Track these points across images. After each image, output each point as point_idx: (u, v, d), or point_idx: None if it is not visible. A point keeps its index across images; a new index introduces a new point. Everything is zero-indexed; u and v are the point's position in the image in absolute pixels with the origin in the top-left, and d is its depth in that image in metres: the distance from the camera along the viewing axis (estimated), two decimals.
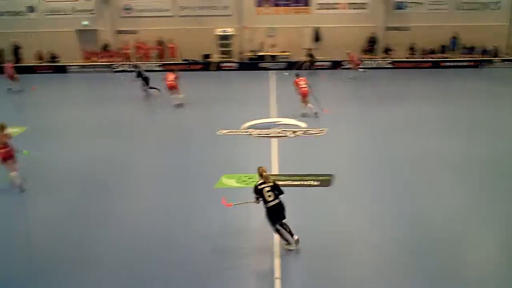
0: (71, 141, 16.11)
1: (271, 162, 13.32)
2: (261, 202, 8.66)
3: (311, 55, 26.84)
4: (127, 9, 29.00)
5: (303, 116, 17.52)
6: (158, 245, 9.26)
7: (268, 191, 8.56)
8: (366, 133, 16.05)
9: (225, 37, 28.92)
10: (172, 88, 19.58)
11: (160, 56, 29.15)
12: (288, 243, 8.78)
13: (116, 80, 26.11)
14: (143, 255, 8.94)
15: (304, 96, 17.56)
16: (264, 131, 16.09)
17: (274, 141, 15.12)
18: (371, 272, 8.34)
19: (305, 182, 11.84)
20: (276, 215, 8.61)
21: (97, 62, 28.81)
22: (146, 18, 28.98)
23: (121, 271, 8.48)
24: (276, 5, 28.82)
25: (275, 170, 12.72)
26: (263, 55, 28.65)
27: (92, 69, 28.48)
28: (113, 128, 17.57)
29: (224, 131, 16.15)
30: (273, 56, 28.63)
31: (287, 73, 19.22)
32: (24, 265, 8.77)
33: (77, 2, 28.90)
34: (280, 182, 11.60)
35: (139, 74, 21.33)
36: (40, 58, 29.29)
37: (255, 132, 16.10)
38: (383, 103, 19.90)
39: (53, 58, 29.18)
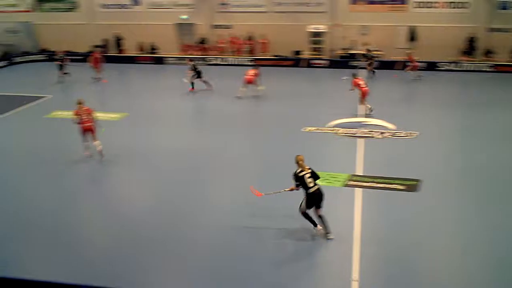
0: (164, 127, 17.28)
1: (356, 162, 13.29)
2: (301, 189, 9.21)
3: (371, 57, 25.49)
4: (224, 4, 29.91)
5: (368, 116, 17.41)
6: (243, 234, 9.69)
7: (309, 177, 9.09)
8: (458, 139, 15.45)
9: (317, 34, 28.91)
10: (249, 82, 20.23)
11: (252, 51, 29.76)
12: (326, 231, 9.33)
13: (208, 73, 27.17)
14: (229, 243, 9.44)
15: (365, 95, 17.51)
16: (351, 131, 16.01)
17: (361, 142, 15.02)
18: (450, 282, 8.13)
19: (390, 186, 11.67)
20: (316, 200, 9.13)
21: (193, 55, 30.01)
22: (241, 13, 29.72)
23: (207, 253, 9.02)
24: (371, 2, 28.23)
25: (360, 170, 12.68)
26: (354, 53, 28.26)
27: None
28: (203, 117, 18.39)
29: (310, 128, 16.28)
30: (365, 55, 28.12)
31: (345, 77, 18.71)
32: (121, 235, 9.62)
33: None
34: (364, 184, 11.70)
35: (194, 68, 22.10)
36: (141, 49, 31.14)
37: (342, 131, 16.06)
38: (480, 108, 18.88)
39: (153, 49, 30.88)
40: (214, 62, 29.28)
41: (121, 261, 8.91)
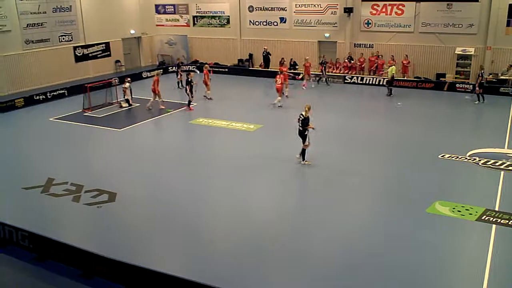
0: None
1: (495, 196, 12.52)
2: None
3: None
4: (368, 23, 29.89)
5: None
6: (364, 262, 9.87)
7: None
8: None
9: (464, 57, 27.46)
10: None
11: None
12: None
13: (348, 91, 27.34)
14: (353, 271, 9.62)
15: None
16: (493, 162, 15.05)
17: (502, 174, 14.09)
18: None
19: None
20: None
21: (330, 72, 30.42)
22: (384, 33, 29.41)
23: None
24: None
25: (497, 205, 11.93)
26: (505, 80, 26.22)
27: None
28: (339, 135, 18.48)
29: (447, 156, 15.64)
30: None
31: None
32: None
33: (323, 15, 31.06)
34: (500, 221, 10.99)
35: None
36: (281, 64, 32.30)
37: (482, 161, 15.17)
38: None
39: (293, 65, 31.87)
40: (353, 80, 29.31)
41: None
